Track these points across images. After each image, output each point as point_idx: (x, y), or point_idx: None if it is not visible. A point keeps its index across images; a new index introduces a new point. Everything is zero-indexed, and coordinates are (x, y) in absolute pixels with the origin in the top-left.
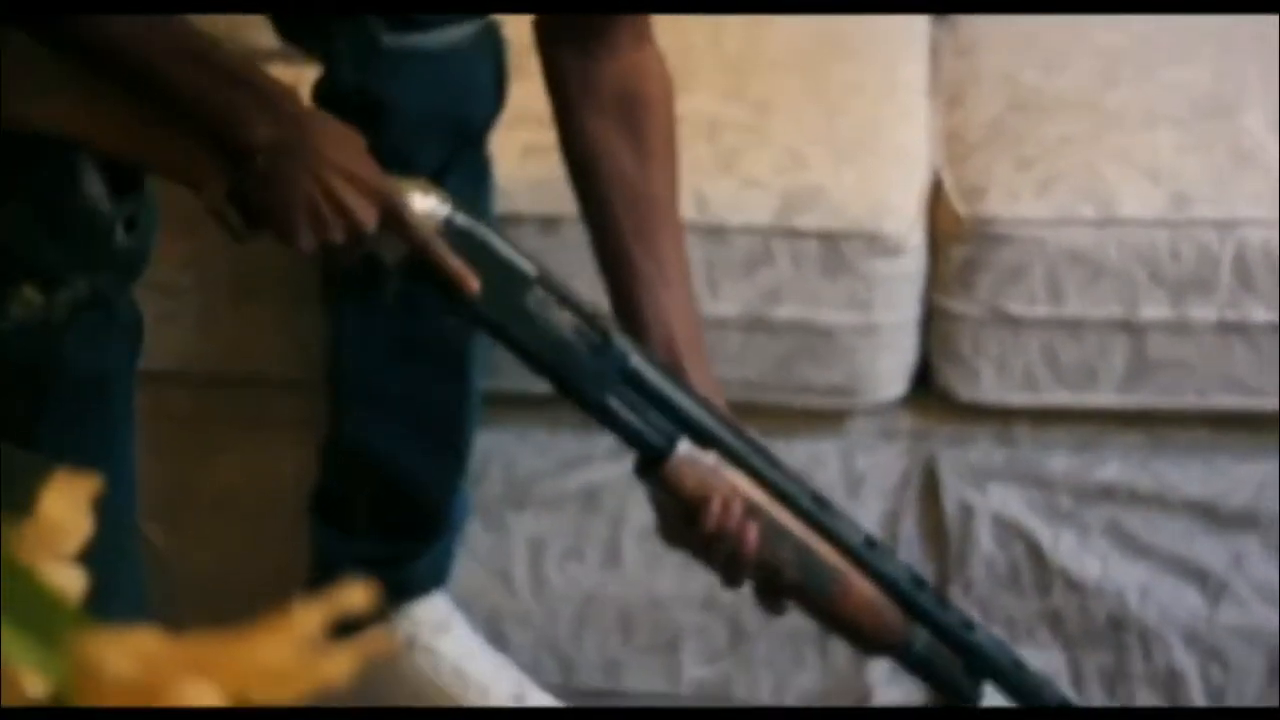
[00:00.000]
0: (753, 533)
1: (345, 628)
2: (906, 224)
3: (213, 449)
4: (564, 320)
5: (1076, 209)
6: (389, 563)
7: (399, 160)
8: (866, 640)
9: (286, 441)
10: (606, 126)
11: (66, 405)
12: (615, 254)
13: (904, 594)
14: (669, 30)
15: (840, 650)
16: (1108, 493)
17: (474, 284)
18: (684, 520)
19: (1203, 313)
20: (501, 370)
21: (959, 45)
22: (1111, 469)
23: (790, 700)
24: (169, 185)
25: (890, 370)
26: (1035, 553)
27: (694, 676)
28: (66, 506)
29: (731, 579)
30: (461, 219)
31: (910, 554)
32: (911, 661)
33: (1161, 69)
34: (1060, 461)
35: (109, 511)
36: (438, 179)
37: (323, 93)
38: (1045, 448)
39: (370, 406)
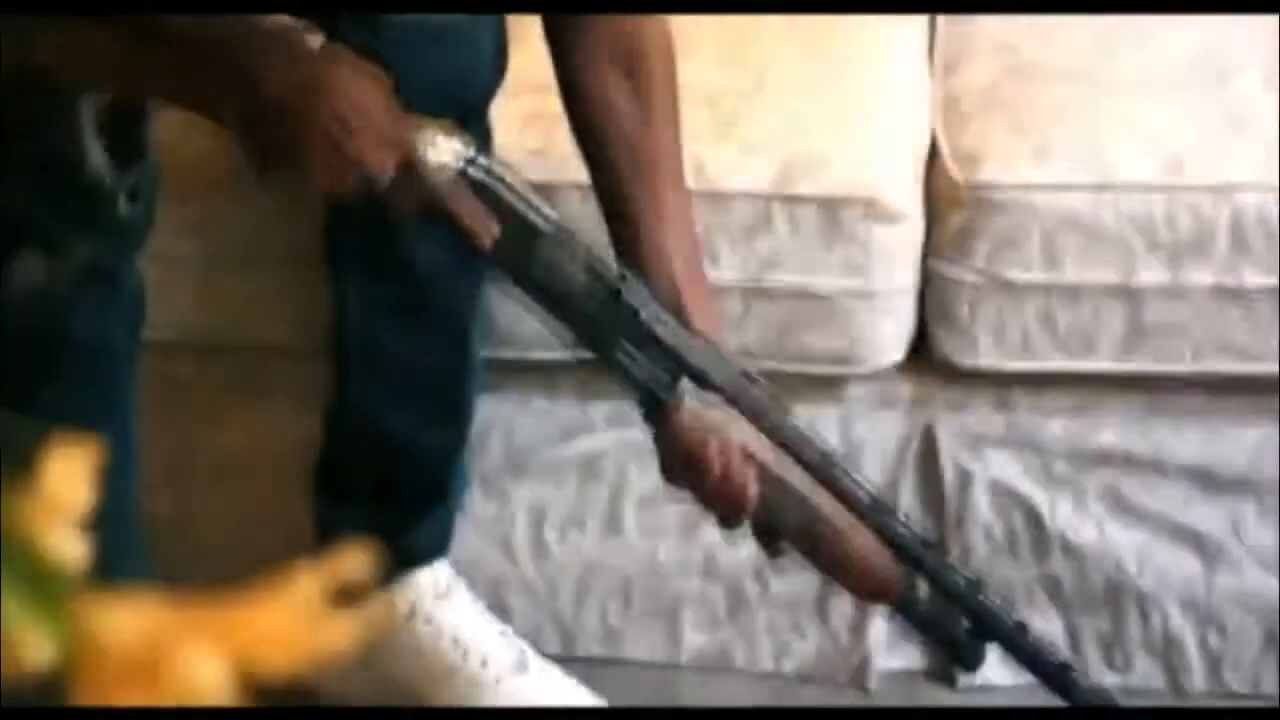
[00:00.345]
0: (752, 478)
1: (347, 596)
2: (904, 190)
3: (214, 417)
4: (577, 272)
5: (1073, 175)
6: (391, 531)
7: None
8: (864, 588)
9: (288, 409)
10: (606, 76)
11: (70, 374)
12: (616, 198)
13: (911, 554)
14: None
15: (840, 618)
16: (1105, 458)
17: (487, 235)
18: (685, 462)
19: (1199, 277)
20: (501, 337)
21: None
22: (1109, 434)
23: (789, 668)
24: (169, 155)
25: (888, 337)
26: (1033, 518)
27: (694, 644)
28: (69, 474)
29: (729, 522)
30: (481, 166)
31: (909, 520)
32: (912, 615)
33: (1157, 34)
34: (1057, 427)
35: (111, 479)
36: None
37: None
38: (1042, 413)
39: (372, 374)
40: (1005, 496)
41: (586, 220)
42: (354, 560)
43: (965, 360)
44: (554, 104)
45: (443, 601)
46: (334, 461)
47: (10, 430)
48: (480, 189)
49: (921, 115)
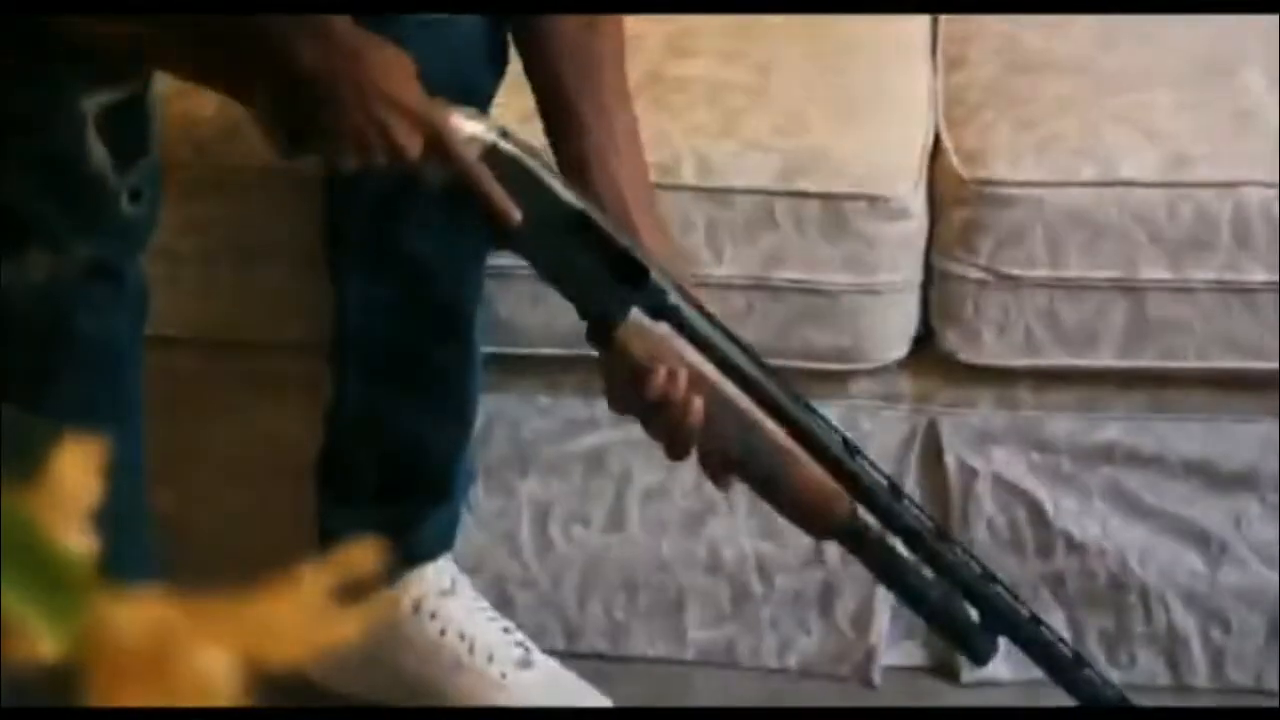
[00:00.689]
0: (698, 404)
1: (351, 592)
2: (908, 186)
3: (217, 414)
4: (605, 257)
5: (1076, 170)
6: (394, 527)
7: None
8: (812, 521)
9: (291, 406)
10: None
11: (75, 373)
12: (562, 114)
13: (922, 541)
14: None
15: (844, 613)
16: (1108, 454)
17: (513, 214)
18: (631, 386)
19: (1202, 273)
20: (504, 333)
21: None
22: (1112, 430)
23: (794, 664)
24: (169, 152)
25: (892, 333)
26: (1036, 514)
27: (698, 639)
28: (78, 469)
29: (675, 450)
30: (508, 146)
31: None
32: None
33: (1160, 29)
34: (1061, 423)
35: (118, 476)
36: None
37: None
38: (1046, 409)
39: (374, 371)
40: (1009, 492)
41: None
42: (362, 555)
43: (969, 356)
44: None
45: (447, 598)
46: (337, 458)
47: (17, 427)
48: (509, 165)
49: (925, 111)
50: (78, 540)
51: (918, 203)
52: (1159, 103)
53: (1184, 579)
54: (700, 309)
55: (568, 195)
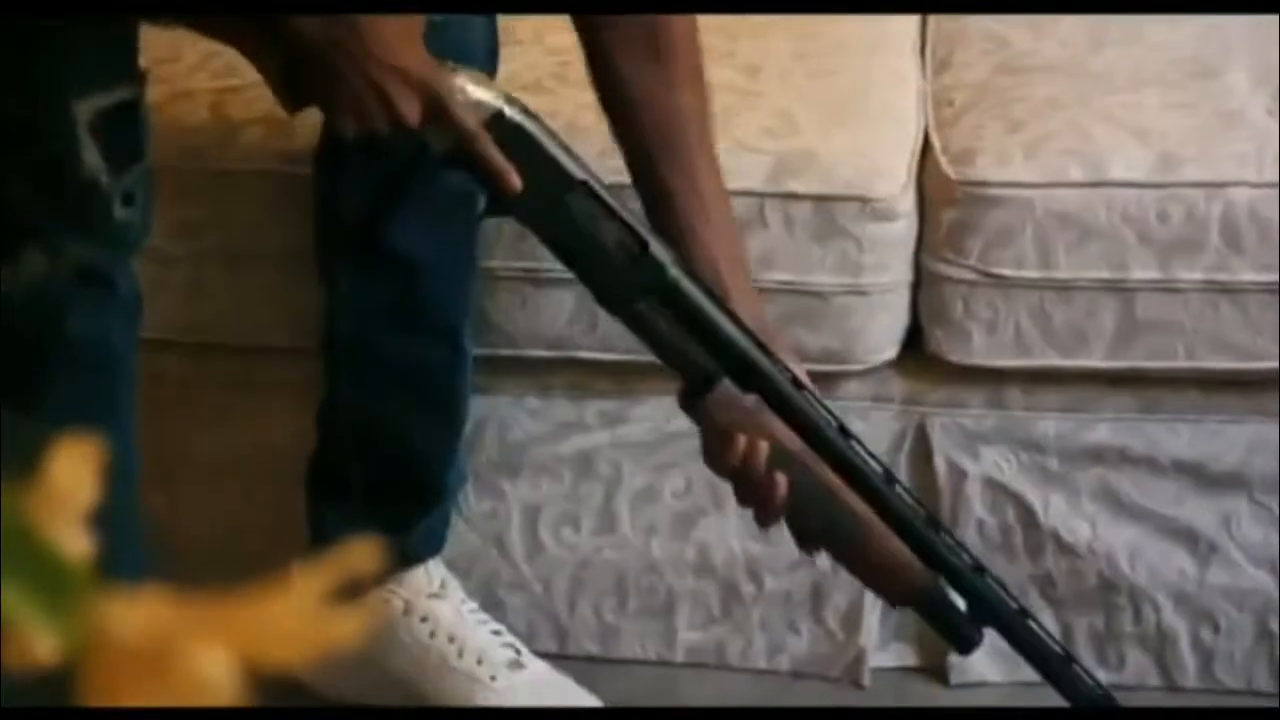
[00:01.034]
0: (781, 482)
1: (345, 594)
2: (897, 187)
3: (207, 416)
4: (606, 228)
5: (1065, 171)
6: (385, 529)
7: None
8: (891, 589)
9: (281, 408)
10: (633, 55)
11: (69, 377)
12: (650, 180)
13: (918, 534)
14: None
15: (834, 614)
16: (1098, 455)
17: (515, 181)
18: (719, 451)
19: (1191, 274)
20: (494, 335)
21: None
22: (1102, 431)
23: (784, 665)
24: (161, 156)
25: (881, 333)
26: (1026, 515)
27: (688, 641)
28: (74, 471)
29: (762, 519)
30: (512, 114)
31: None
32: (931, 610)
33: (1147, 30)
34: (1051, 424)
35: (111, 479)
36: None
37: None
38: (1036, 410)
39: (364, 373)
40: (998, 493)
41: None
42: (359, 556)
43: (959, 357)
44: (549, 104)
45: (437, 600)
46: (327, 460)
47: (10, 430)
48: (513, 133)
49: (914, 111)
50: (74, 542)
51: (907, 204)
52: (1147, 103)
53: (1173, 579)
54: (792, 376)
55: (572, 164)
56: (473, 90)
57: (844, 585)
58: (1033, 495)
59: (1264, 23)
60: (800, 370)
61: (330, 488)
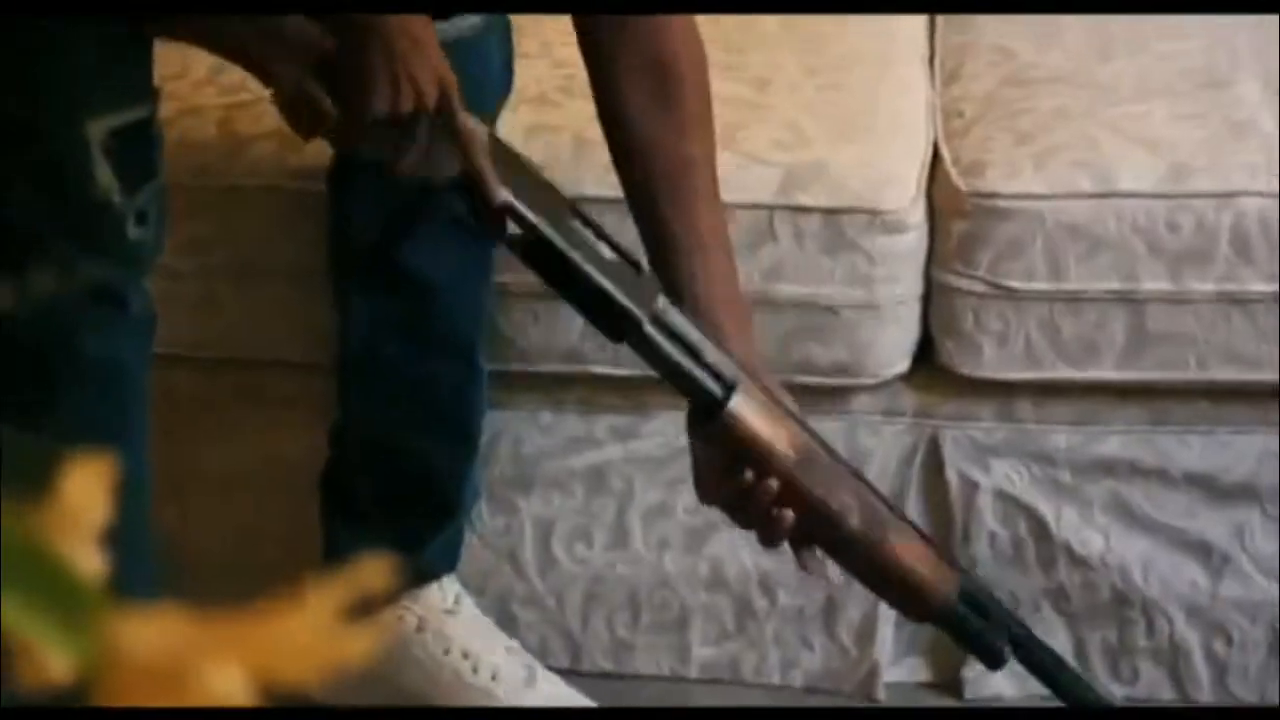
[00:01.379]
0: (785, 517)
1: (359, 610)
2: (907, 200)
3: (221, 431)
4: (596, 248)
5: (1074, 182)
6: (399, 546)
7: None
8: (912, 608)
9: (295, 424)
10: (639, 94)
11: (81, 395)
12: (653, 221)
13: None
14: None
15: (847, 629)
16: (1110, 467)
17: (501, 193)
18: (717, 478)
19: (1201, 285)
20: (507, 351)
21: (954, 19)
22: (1113, 443)
23: (798, 680)
24: (172, 172)
25: (892, 346)
26: (1038, 528)
27: (701, 657)
28: (86, 490)
29: (765, 544)
30: (504, 144)
31: None
32: (955, 626)
33: (1154, 41)
34: (1062, 436)
35: (123, 496)
36: None
37: None
38: (1047, 422)
39: (378, 389)
40: (1010, 506)
41: None
42: (373, 573)
43: (970, 370)
44: (556, 117)
45: (451, 616)
46: (341, 476)
47: (23, 449)
48: (508, 154)
49: (923, 124)
50: (87, 560)
51: (917, 216)
52: (1156, 114)
53: (1186, 592)
54: (780, 404)
55: (559, 191)
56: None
57: (858, 600)
58: (1045, 508)
59: (1272, 32)
60: (788, 400)
61: (343, 504)
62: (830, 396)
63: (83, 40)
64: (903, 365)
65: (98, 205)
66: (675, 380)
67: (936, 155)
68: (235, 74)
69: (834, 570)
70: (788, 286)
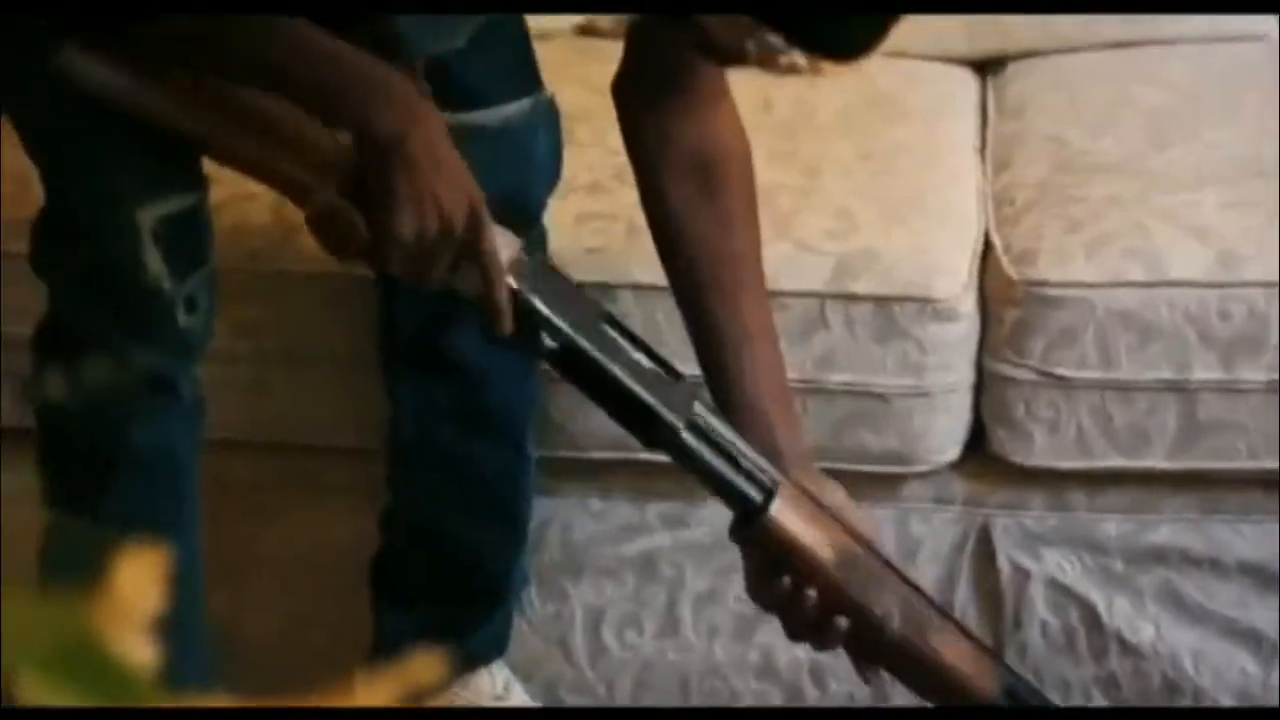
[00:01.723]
0: (837, 624)
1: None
2: (958, 288)
3: (271, 516)
4: (632, 359)
5: (1126, 271)
6: (449, 631)
7: None
8: (957, 698)
9: (345, 509)
10: (684, 187)
11: (131, 482)
12: (698, 313)
13: None
14: None
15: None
16: (1161, 556)
17: (506, 323)
18: (767, 577)
19: (1253, 374)
20: (556, 437)
21: (1006, 106)
22: (1165, 532)
23: None
24: (222, 258)
25: (944, 435)
26: (1090, 617)
27: None
28: (138, 579)
29: (819, 648)
30: (536, 255)
31: (966, 619)
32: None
33: (1205, 129)
34: (1113, 525)
35: (175, 584)
36: None
37: None
38: (1098, 511)
39: (428, 475)
40: (1062, 595)
41: (640, 319)
42: (424, 666)
43: (1021, 458)
44: (605, 204)
45: (501, 703)
46: (391, 562)
47: (75, 537)
48: (537, 269)
49: (974, 212)
50: (139, 651)
51: (968, 304)
52: (1206, 202)
53: (1237, 681)
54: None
55: (595, 304)
56: (499, 230)
57: (907, 690)
58: (1096, 596)
59: None
60: (838, 494)
61: (393, 589)
62: (882, 484)
63: (132, 129)
64: (954, 453)
65: (148, 292)
66: (713, 486)
67: (988, 243)
68: None
69: None
70: (839, 374)
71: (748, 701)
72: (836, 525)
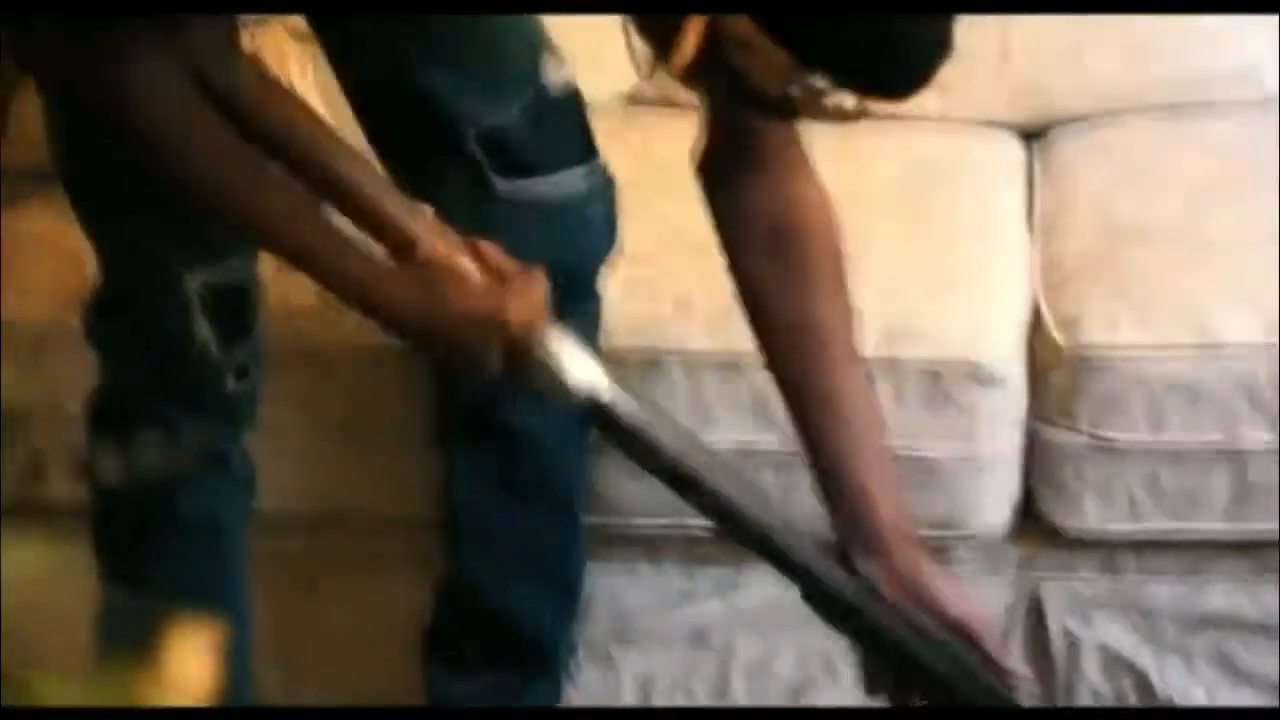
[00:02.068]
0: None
1: None
2: (1007, 354)
3: (323, 588)
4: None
5: (1174, 336)
6: (499, 699)
7: None
8: None
9: (397, 580)
10: (765, 259)
11: (181, 554)
12: (791, 390)
13: None
14: None
15: None
16: (1213, 621)
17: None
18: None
19: None
20: (606, 506)
21: (1053, 172)
22: (1216, 597)
23: None
24: (273, 329)
25: (993, 501)
26: (1142, 683)
27: None
28: (188, 652)
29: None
30: (609, 400)
31: None
32: None
33: (1253, 192)
34: (1165, 590)
35: (226, 655)
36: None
37: None
38: (1149, 577)
39: (480, 546)
40: (1114, 661)
41: (687, 388)
42: None
43: (1071, 524)
44: (653, 273)
45: None
46: (443, 632)
47: (127, 609)
48: (605, 418)
49: (1022, 278)
50: None
51: (1017, 371)
52: (1253, 267)
53: None
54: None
55: (670, 449)
56: (573, 367)
57: None
58: (1148, 661)
59: None
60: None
61: (445, 657)
62: (932, 551)
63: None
64: (1004, 519)
65: (197, 360)
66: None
67: (1036, 309)
68: None
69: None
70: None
71: None
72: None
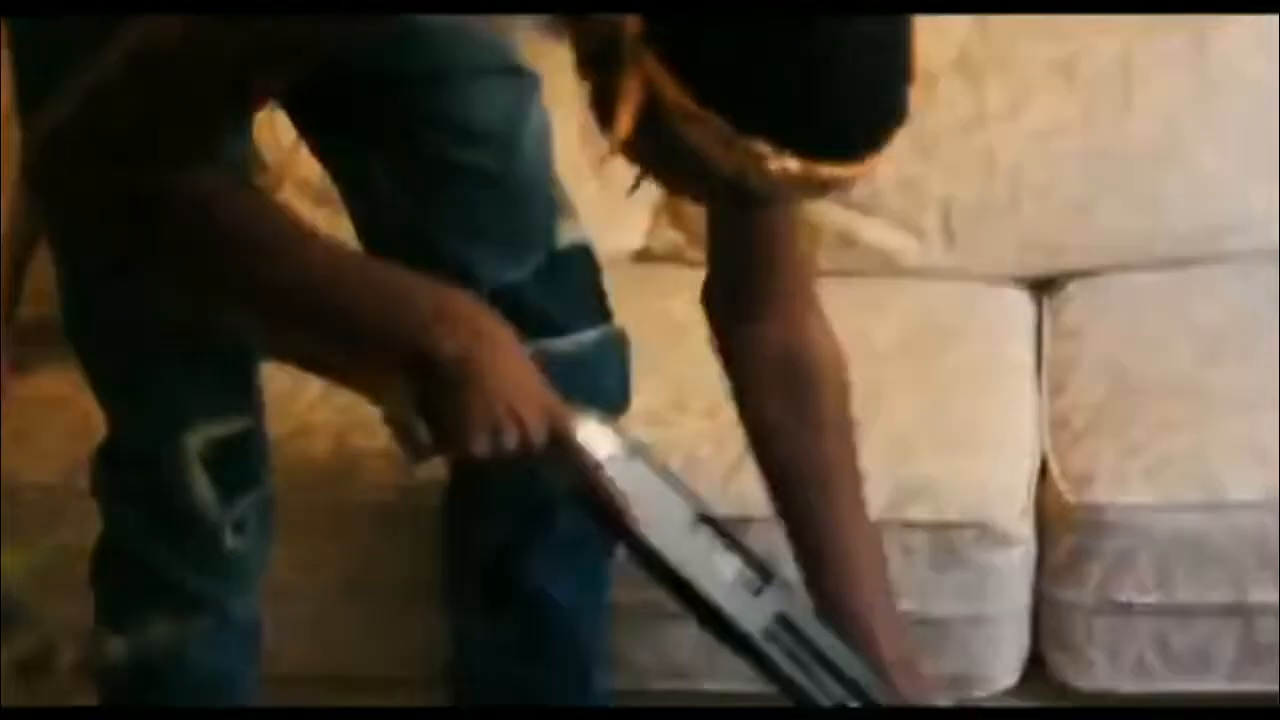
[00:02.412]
0: None
1: None
2: (1015, 514)
3: None
4: (727, 561)
5: (1183, 494)
6: None
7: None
8: None
9: None
10: (774, 400)
11: (188, 704)
12: (798, 532)
13: None
14: None
15: None
16: None
17: (634, 516)
18: None
19: None
20: (618, 668)
21: (1061, 328)
22: None
23: None
24: (283, 490)
25: (1003, 660)
26: None
27: None
28: None
29: None
30: (629, 453)
31: None
32: None
33: (1261, 347)
34: None
35: None
36: None
37: None
38: None
39: (495, 708)
40: None
41: None
42: None
43: (1081, 683)
44: (663, 433)
45: None
46: None
47: None
48: (629, 469)
49: (1031, 434)
50: None
51: (1025, 530)
52: (1265, 423)
53: None
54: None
55: (689, 500)
56: (590, 426)
57: None
58: None
59: None
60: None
61: None
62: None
63: (181, 353)
64: (1013, 678)
65: (194, 516)
66: (790, 696)
67: (1044, 467)
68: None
69: None
70: (897, 601)
71: None
72: None
